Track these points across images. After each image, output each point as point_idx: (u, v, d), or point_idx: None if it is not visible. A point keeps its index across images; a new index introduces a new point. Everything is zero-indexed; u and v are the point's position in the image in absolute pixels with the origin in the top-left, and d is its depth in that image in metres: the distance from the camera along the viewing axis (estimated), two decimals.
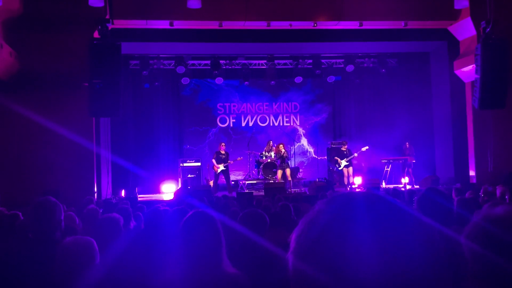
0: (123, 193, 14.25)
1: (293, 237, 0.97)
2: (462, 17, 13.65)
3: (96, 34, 10.62)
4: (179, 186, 15.14)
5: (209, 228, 2.68)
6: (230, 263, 2.72)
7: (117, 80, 9.62)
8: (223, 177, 15.47)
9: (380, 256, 0.86)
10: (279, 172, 15.41)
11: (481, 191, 8.42)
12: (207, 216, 2.75)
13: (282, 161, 15.38)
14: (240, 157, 16.06)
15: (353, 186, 15.34)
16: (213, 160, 15.50)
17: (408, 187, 14.70)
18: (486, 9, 11.02)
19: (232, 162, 15.59)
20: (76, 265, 2.84)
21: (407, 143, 16.24)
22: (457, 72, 14.53)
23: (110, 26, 9.75)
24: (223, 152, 15.54)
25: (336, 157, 16.00)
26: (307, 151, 18.62)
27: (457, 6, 12.13)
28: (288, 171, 15.39)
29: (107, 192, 13.86)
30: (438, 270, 0.91)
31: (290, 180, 15.37)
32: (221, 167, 15.32)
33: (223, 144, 15.87)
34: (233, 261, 2.78)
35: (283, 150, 15.38)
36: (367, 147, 15.85)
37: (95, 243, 2.97)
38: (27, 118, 11.64)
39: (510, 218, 1.53)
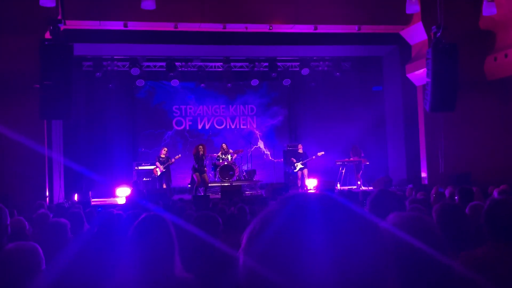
0: (76, 197, 13.95)
1: (245, 235, 0.96)
2: (414, 21, 13.96)
3: (47, 35, 10.38)
4: (132, 189, 14.93)
5: (161, 231, 2.63)
6: (182, 267, 2.68)
7: (69, 81, 9.45)
8: (164, 179, 15.37)
9: (332, 258, 0.87)
10: (204, 176, 15.03)
11: (433, 191, 8.63)
12: (159, 219, 2.70)
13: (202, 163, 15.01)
14: (179, 155, 15.82)
15: (309, 189, 15.42)
16: (157, 163, 15.48)
17: (362, 188, 14.93)
18: (437, 14, 11.32)
19: (173, 160, 15.47)
20: (20, 272, 2.74)
21: (354, 145, 16.44)
22: (409, 75, 14.84)
23: (62, 27, 9.58)
24: (163, 156, 15.54)
25: (292, 158, 16.11)
26: (263, 153, 18.66)
27: (408, 11, 12.39)
28: (205, 176, 15.06)
29: (59, 196, 13.53)
30: (388, 270, 0.92)
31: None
32: (161, 168, 15.29)
33: (165, 148, 15.88)
34: (186, 263, 2.75)
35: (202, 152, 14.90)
36: (322, 153, 15.89)
37: (39, 248, 2.87)
38: None
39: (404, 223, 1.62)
